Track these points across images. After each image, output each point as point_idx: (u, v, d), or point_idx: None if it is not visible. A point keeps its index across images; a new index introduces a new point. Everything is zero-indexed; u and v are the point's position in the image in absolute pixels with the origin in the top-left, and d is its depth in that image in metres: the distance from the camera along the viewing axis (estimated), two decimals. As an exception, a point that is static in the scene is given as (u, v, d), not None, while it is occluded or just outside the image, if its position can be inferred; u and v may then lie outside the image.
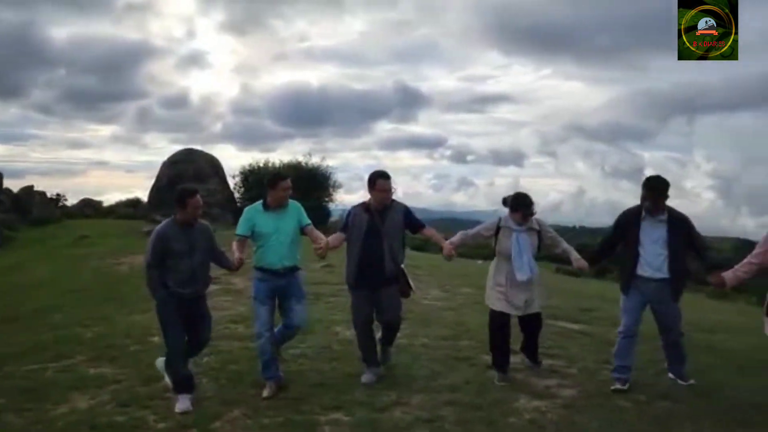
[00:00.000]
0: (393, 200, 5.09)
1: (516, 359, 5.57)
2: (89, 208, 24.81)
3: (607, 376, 5.08)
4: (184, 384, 4.50)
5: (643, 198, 4.75)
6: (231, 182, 26.21)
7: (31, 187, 20.65)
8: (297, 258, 4.94)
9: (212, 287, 9.51)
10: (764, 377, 5.25)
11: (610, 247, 5.11)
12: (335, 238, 5.10)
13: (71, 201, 26.44)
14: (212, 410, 4.40)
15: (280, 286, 4.86)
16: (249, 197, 21.05)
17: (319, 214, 25.85)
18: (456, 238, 5.13)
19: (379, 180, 4.94)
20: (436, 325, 6.84)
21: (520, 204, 4.91)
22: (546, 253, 5.57)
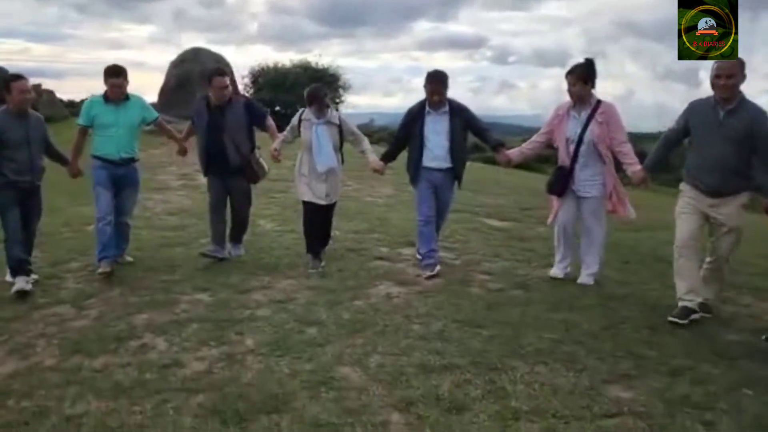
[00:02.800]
0: (238, 95, 5.36)
1: (408, 251, 5.75)
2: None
3: (486, 267, 5.25)
4: (17, 267, 4.74)
5: (430, 92, 4.87)
6: (240, 83, 26.15)
7: (39, 85, 21.07)
8: (135, 150, 5.26)
9: (176, 182, 9.85)
10: (627, 268, 5.45)
11: (400, 144, 5.29)
12: (185, 130, 5.65)
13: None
14: (95, 288, 4.76)
15: (117, 175, 5.16)
16: (259, 98, 21.08)
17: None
18: (277, 143, 5.22)
19: (215, 78, 5.19)
20: (358, 220, 6.99)
21: (313, 97, 5.03)
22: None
